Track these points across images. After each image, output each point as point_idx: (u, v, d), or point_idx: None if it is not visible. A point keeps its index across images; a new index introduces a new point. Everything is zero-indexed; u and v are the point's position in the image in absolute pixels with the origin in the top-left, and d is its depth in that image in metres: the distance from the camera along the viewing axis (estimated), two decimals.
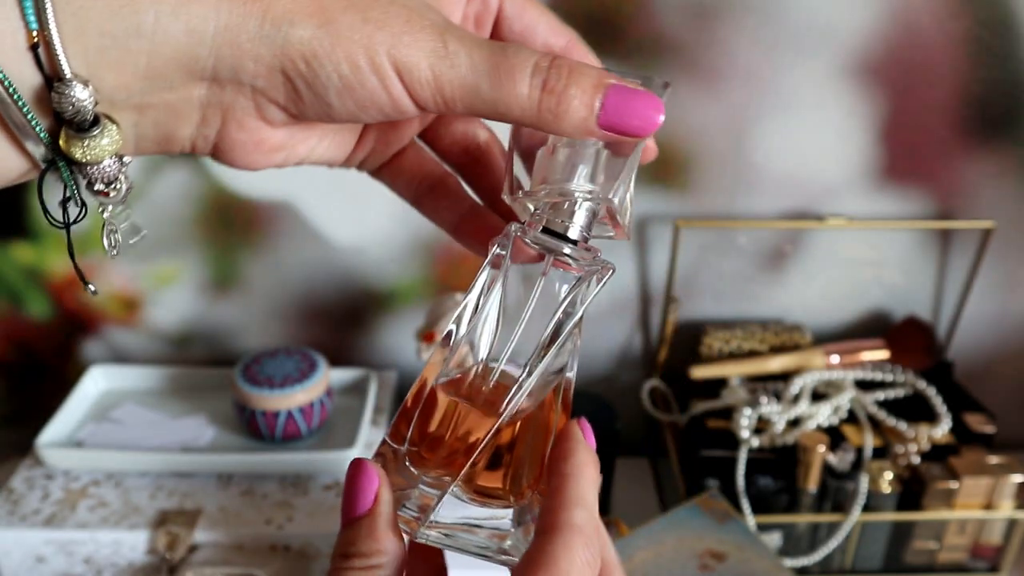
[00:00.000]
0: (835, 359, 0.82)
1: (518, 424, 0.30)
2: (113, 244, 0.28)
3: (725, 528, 0.68)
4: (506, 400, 0.28)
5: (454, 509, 0.29)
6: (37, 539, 0.67)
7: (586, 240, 0.29)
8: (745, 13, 0.73)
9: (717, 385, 0.81)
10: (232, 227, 0.82)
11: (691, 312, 0.87)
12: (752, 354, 0.83)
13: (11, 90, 0.23)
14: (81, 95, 0.23)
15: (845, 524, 0.72)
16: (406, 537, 0.29)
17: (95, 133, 0.24)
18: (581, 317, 0.30)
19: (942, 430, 0.75)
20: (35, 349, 0.89)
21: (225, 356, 0.88)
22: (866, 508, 0.72)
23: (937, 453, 0.74)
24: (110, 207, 0.27)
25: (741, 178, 0.81)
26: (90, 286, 0.29)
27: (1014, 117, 0.78)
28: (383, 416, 0.80)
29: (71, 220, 0.27)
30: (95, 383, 0.82)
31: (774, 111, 0.78)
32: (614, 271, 0.29)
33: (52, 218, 0.26)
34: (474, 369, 0.30)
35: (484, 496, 0.29)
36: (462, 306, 0.30)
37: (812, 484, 0.73)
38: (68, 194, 0.26)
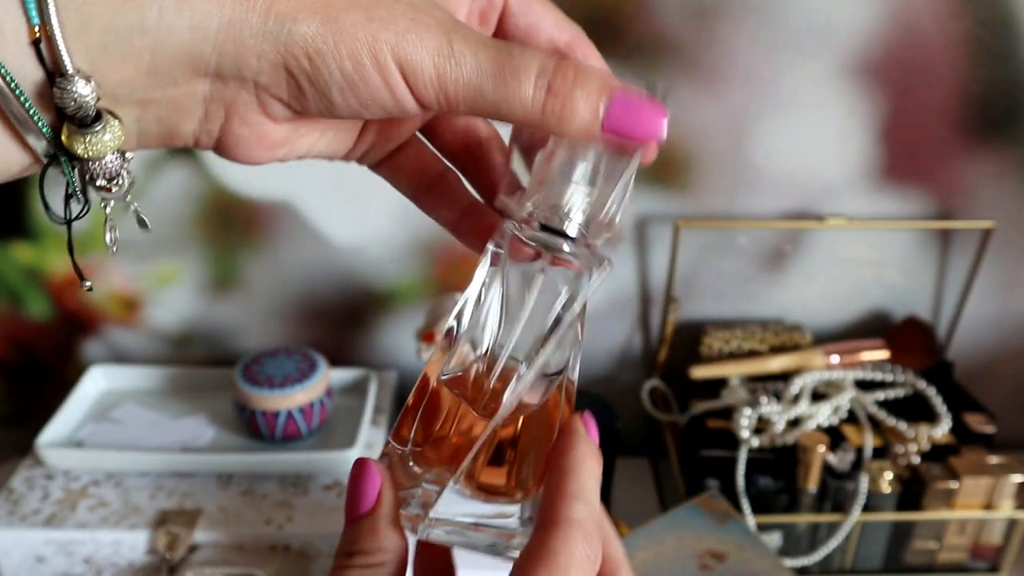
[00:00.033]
0: (835, 359, 0.82)
1: (521, 421, 0.30)
2: (114, 240, 0.28)
3: (725, 528, 0.68)
4: (505, 393, 0.28)
5: (457, 505, 0.29)
6: (37, 539, 0.67)
7: (584, 236, 0.29)
8: (745, 13, 0.73)
9: (717, 385, 0.81)
10: (232, 227, 0.82)
11: (691, 312, 0.87)
12: (752, 354, 0.83)
13: (13, 85, 0.23)
14: (83, 91, 0.23)
15: (845, 524, 0.72)
16: (411, 536, 0.29)
17: (97, 129, 0.24)
18: (582, 313, 0.29)
19: (942, 430, 0.75)
20: (35, 349, 0.89)
21: (225, 356, 0.88)
22: (866, 508, 0.72)
23: (937, 453, 0.74)
24: (112, 203, 0.27)
25: (741, 178, 0.81)
26: (86, 283, 0.29)
27: (1014, 117, 0.78)
28: (383, 416, 0.80)
29: (73, 216, 0.27)
30: (95, 383, 0.82)
31: (774, 111, 0.78)
32: (611, 265, 0.29)
33: (53, 214, 0.26)
34: (475, 366, 0.30)
35: (488, 493, 0.29)
36: (462, 302, 0.30)
37: (812, 484, 0.73)
38: (70, 190, 0.26)
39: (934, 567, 0.76)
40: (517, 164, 0.31)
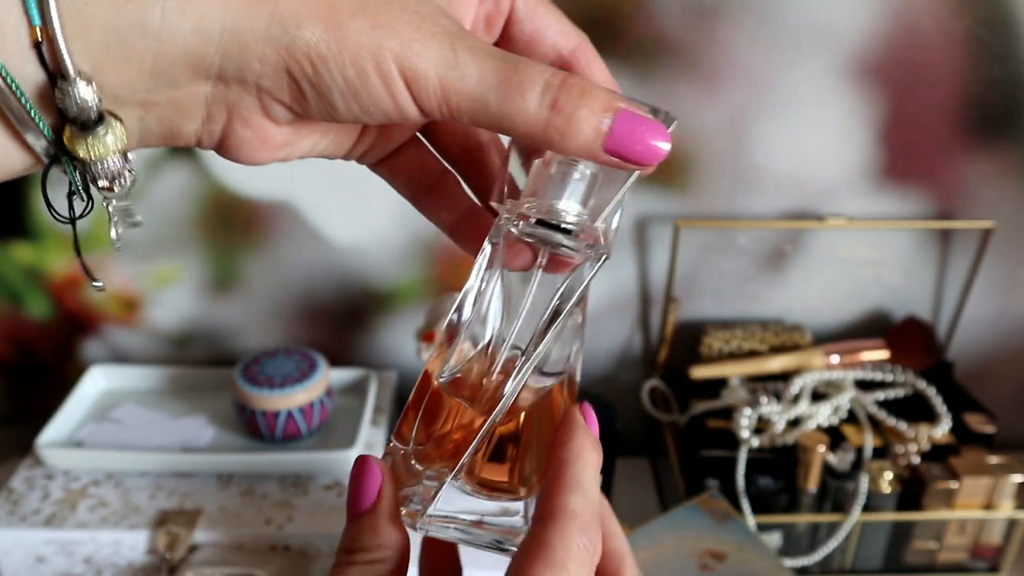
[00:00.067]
0: (835, 359, 0.82)
1: (523, 416, 0.30)
2: (119, 236, 0.28)
3: (725, 528, 0.68)
4: (506, 386, 0.28)
5: (459, 502, 0.29)
6: (37, 539, 0.67)
7: (581, 231, 0.29)
8: (745, 13, 0.73)
9: (717, 385, 0.81)
10: (232, 227, 0.82)
11: (691, 312, 0.87)
12: (752, 354, 0.83)
13: (14, 86, 0.23)
14: (85, 93, 0.23)
15: (845, 524, 0.72)
16: (414, 533, 0.29)
17: (99, 131, 0.24)
18: (583, 307, 0.29)
19: (942, 430, 0.75)
20: (35, 349, 0.89)
21: (225, 356, 0.88)
22: (866, 508, 0.72)
23: (937, 453, 0.74)
24: (114, 201, 0.27)
25: (741, 178, 0.81)
26: (97, 282, 0.29)
27: (1014, 117, 0.78)
28: (383, 416, 0.80)
29: (77, 215, 0.27)
30: (95, 383, 0.82)
31: (774, 111, 0.78)
32: (609, 257, 0.29)
33: (57, 214, 0.26)
34: (476, 363, 0.30)
35: (491, 489, 0.29)
36: (460, 298, 0.30)
37: (812, 484, 0.73)
38: (72, 189, 0.26)
39: (934, 567, 0.76)
40: (515, 167, 0.31)
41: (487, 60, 0.26)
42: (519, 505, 0.30)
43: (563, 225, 0.28)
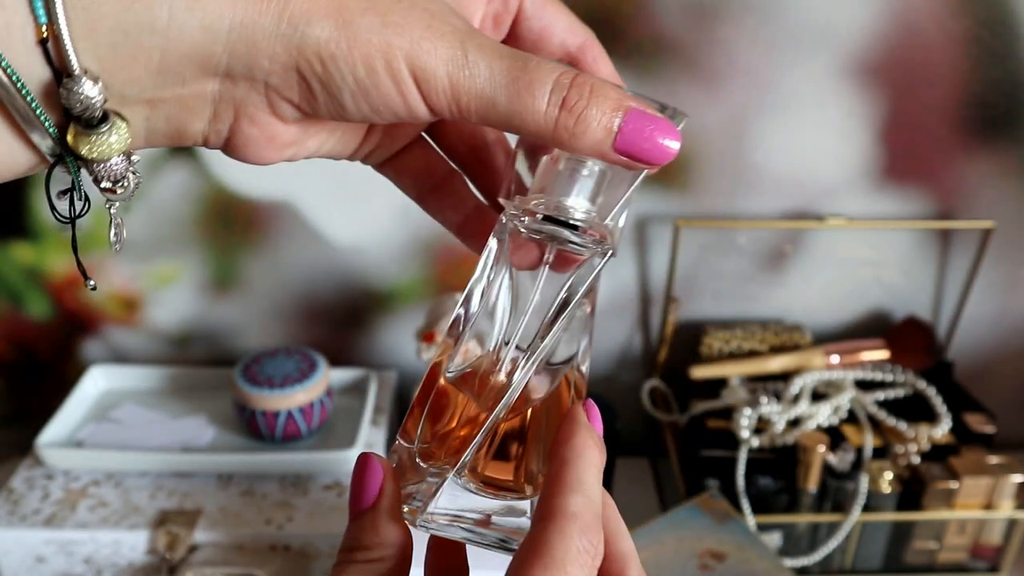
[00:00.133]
0: (835, 359, 0.82)
1: (529, 414, 0.29)
2: (119, 238, 0.28)
3: (725, 528, 0.68)
4: (512, 378, 0.28)
5: (463, 500, 0.29)
6: (37, 539, 0.67)
7: (588, 227, 0.29)
8: (745, 13, 0.73)
9: (717, 385, 0.81)
10: (232, 227, 0.82)
11: (691, 312, 0.87)
12: (752, 354, 0.83)
13: (19, 84, 0.23)
14: (90, 92, 0.23)
15: (845, 524, 0.72)
16: (418, 531, 0.29)
17: (103, 130, 0.24)
18: (591, 299, 0.29)
19: (942, 430, 0.75)
20: (35, 349, 0.89)
21: (225, 356, 0.88)
22: (866, 508, 0.72)
23: (937, 453, 0.74)
24: (116, 204, 0.27)
25: (741, 178, 0.81)
26: (90, 282, 0.28)
27: (1014, 117, 0.78)
28: (383, 416, 0.80)
29: (77, 214, 0.26)
30: (95, 383, 0.82)
31: (774, 111, 0.78)
32: (615, 254, 0.29)
33: (58, 214, 0.26)
34: (482, 361, 0.30)
35: (494, 487, 0.29)
36: (466, 295, 0.30)
37: (812, 484, 0.73)
38: (72, 188, 0.26)
39: (934, 567, 0.76)
40: (521, 166, 0.30)
41: (497, 59, 0.25)
42: (525, 504, 0.29)
43: (571, 221, 0.28)
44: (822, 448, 0.71)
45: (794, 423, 0.76)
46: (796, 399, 0.78)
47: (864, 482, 0.72)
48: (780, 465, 0.74)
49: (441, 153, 0.33)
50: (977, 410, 0.79)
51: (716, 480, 0.73)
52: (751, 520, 0.72)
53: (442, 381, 0.30)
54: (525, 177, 0.31)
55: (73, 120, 0.24)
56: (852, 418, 0.78)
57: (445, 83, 0.25)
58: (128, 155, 0.25)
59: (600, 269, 0.29)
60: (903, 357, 0.83)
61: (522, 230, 0.29)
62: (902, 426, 0.75)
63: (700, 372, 0.82)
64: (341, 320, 0.88)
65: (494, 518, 0.29)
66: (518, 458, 0.29)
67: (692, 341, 0.86)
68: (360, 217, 0.82)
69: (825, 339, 0.86)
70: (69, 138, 0.24)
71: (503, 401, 0.28)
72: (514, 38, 0.31)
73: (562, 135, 0.26)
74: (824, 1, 0.73)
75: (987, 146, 0.80)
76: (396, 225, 0.82)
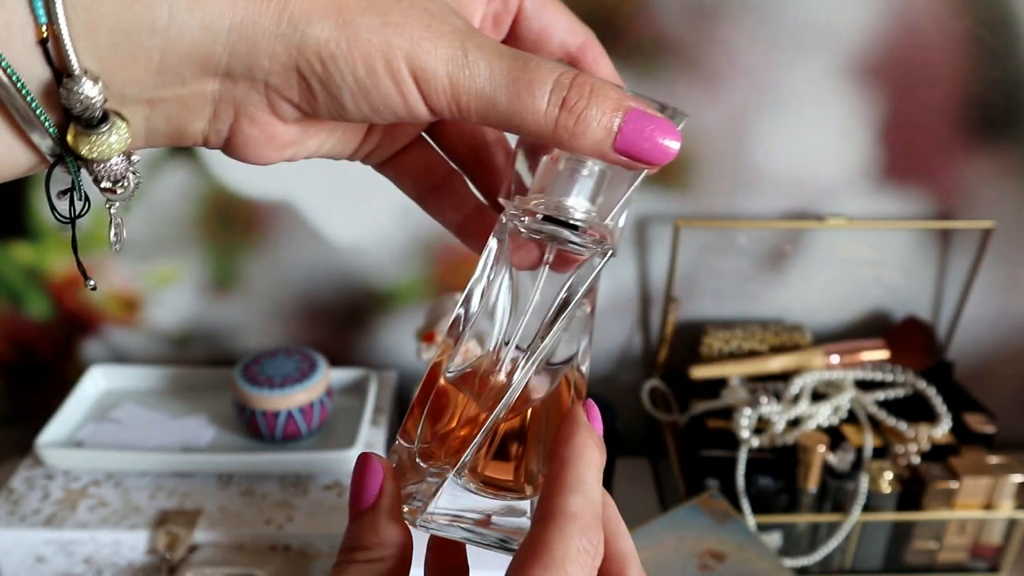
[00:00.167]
0: (835, 359, 0.82)
1: (529, 414, 0.29)
2: (118, 238, 0.28)
3: (725, 528, 0.68)
4: (513, 377, 0.28)
5: (463, 500, 0.29)
6: (37, 539, 0.67)
7: (588, 227, 0.29)
8: (745, 13, 0.73)
9: (717, 385, 0.81)
10: (232, 227, 0.82)
11: (691, 312, 0.87)
12: (752, 354, 0.83)
13: (19, 84, 0.23)
14: (90, 91, 0.23)
15: (845, 524, 0.72)
16: (418, 531, 0.29)
17: (103, 130, 0.24)
18: (591, 299, 0.29)
19: (942, 430, 0.75)
20: (35, 349, 0.89)
21: (225, 356, 0.88)
22: (866, 508, 0.72)
23: (937, 453, 0.74)
24: (116, 204, 0.27)
25: (741, 178, 0.81)
26: (90, 281, 0.28)
27: (1014, 117, 0.78)
28: (383, 416, 0.80)
29: (77, 214, 0.26)
30: (95, 383, 0.82)
31: (774, 111, 0.78)
32: (615, 254, 0.29)
33: (59, 214, 0.26)
34: (482, 361, 0.30)
35: (495, 487, 0.29)
36: (466, 295, 0.30)
37: (812, 484, 0.73)
38: (72, 188, 0.26)
39: (934, 567, 0.76)
40: (521, 166, 0.30)
41: (497, 58, 0.25)
42: (525, 504, 0.29)
43: (571, 221, 0.28)
44: (822, 448, 0.71)
45: (794, 423, 0.76)
46: (796, 399, 0.78)
47: (864, 482, 0.72)
48: (780, 465, 0.74)
49: (441, 153, 0.33)
50: (977, 410, 0.79)
51: (716, 480, 0.73)
52: (751, 520, 0.72)
53: (442, 381, 0.30)
54: (525, 177, 0.31)
55: (73, 120, 0.24)
56: (852, 418, 0.78)
57: (445, 83, 0.25)
58: (128, 155, 0.25)
59: (600, 269, 0.29)
60: (903, 357, 0.83)
61: (522, 230, 0.29)
62: (902, 426, 0.75)
63: (700, 372, 0.82)
64: (341, 320, 0.88)
65: (494, 518, 0.29)
66: (518, 458, 0.29)
67: (692, 341, 0.86)
68: (360, 217, 0.82)
69: (825, 339, 0.86)
70: (69, 138, 0.24)
71: (503, 401, 0.28)
72: (514, 38, 0.31)
73: (562, 135, 0.26)
74: (824, 1, 0.73)
75: (987, 146, 0.80)
76: (396, 225, 0.82)
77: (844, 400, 0.78)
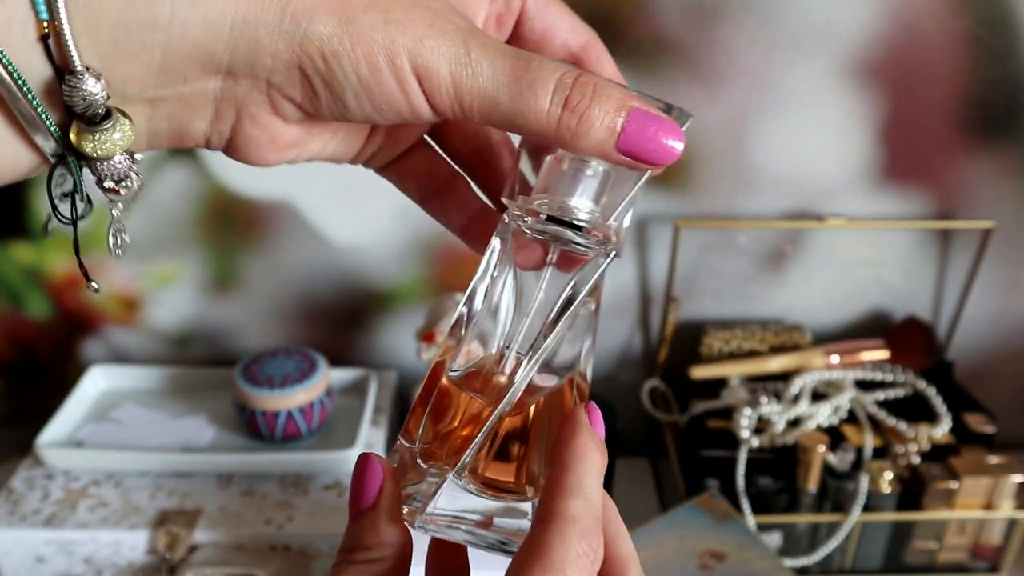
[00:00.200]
0: (835, 359, 0.82)
1: (531, 414, 0.29)
2: (119, 243, 0.28)
3: (725, 528, 0.68)
4: (516, 375, 0.28)
5: (460, 501, 0.29)
6: (37, 539, 0.67)
7: (592, 228, 0.29)
8: (745, 13, 0.73)
9: (717, 385, 0.81)
10: (232, 227, 0.82)
11: (691, 312, 0.87)
12: (752, 354, 0.83)
13: (20, 82, 0.23)
14: (92, 88, 0.23)
15: (845, 524, 0.72)
16: (417, 532, 0.29)
17: (107, 127, 0.24)
18: (595, 297, 0.29)
19: (942, 430, 0.75)
20: (35, 349, 0.89)
21: (225, 356, 0.88)
22: (866, 508, 0.72)
23: (937, 453, 0.74)
24: (119, 205, 0.27)
25: (741, 178, 0.81)
26: (93, 284, 0.28)
27: (1014, 117, 0.78)
28: (383, 416, 0.80)
29: (79, 216, 0.26)
30: (95, 383, 0.82)
31: (774, 111, 0.78)
32: (619, 255, 0.29)
33: (60, 215, 0.26)
34: (485, 361, 0.30)
35: (495, 489, 0.29)
36: (468, 295, 0.29)
37: (812, 484, 0.73)
38: (74, 189, 0.26)
39: (934, 567, 0.76)
40: (525, 166, 0.30)
41: (499, 58, 0.25)
42: (526, 506, 0.29)
43: (575, 222, 0.28)
44: (822, 448, 0.71)
45: (794, 423, 0.76)
46: (796, 399, 0.78)
47: (864, 482, 0.72)
48: (780, 465, 0.74)
49: (443, 155, 0.33)
50: (977, 410, 0.79)
51: (716, 480, 0.73)
52: (751, 520, 0.72)
53: (445, 381, 0.29)
54: (529, 176, 0.31)
55: (76, 118, 0.24)
56: (852, 418, 0.78)
57: (448, 82, 0.25)
58: (131, 154, 0.25)
59: (604, 269, 0.29)
60: (903, 357, 0.83)
61: (526, 230, 0.29)
62: (902, 426, 0.75)
63: (700, 372, 0.82)
64: (341, 320, 0.88)
65: (494, 520, 0.29)
66: (520, 459, 0.29)
67: (692, 341, 0.86)
68: (360, 217, 0.82)
69: (825, 339, 0.86)
70: (72, 136, 0.24)
71: (505, 400, 0.28)
72: (517, 38, 0.31)
73: (565, 135, 0.26)
74: (824, 1, 0.73)
75: (987, 146, 0.80)
76: (396, 225, 0.82)
77: (844, 400, 0.78)
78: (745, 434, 0.74)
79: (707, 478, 0.73)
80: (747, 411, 0.74)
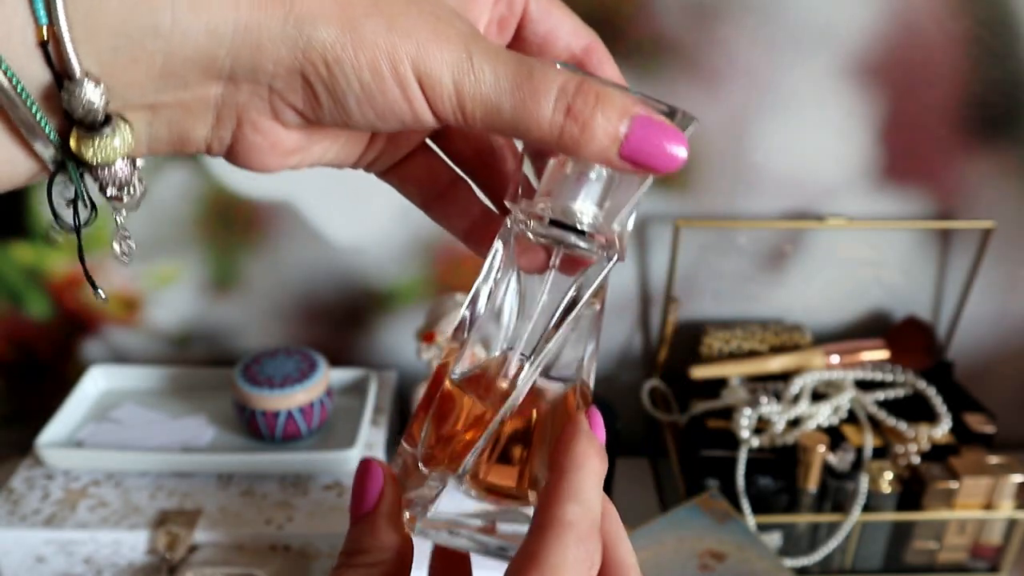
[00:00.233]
0: (835, 359, 0.82)
1: (534, 419, 0.29)
2: (125, 251, 0.28)
3: (725, 528, 0.68)
4: (518, 378, 0.28)
5: (461, 505, 0.29)
6: (37, 539, 0.67)
7: (595, 232, 0.28)
8: (745, 13, 0.73)
9: (717, 385, 0.81)
10: (232, 227, 0.82)
11: (691, 312, 0.87)
12: (752, 354, 0.83)
13: (19, 88, 0.22)
14: (92, 95, 0.23)
15: (845, 524, 0.72)
16: (417, 537, 0.29)
17: (106, 133, 0.24)
18: (599, 298, 0.29)
19: (942, 430, 0.75)
20: (35, 349, 0.89)
21: (225, 356, 0.88)
22: (866, 508, 0.72)
23: (937, 453, 0.74)
24: (124, 212, 0.27)
25: (741, 178, 0.81)
26: (100, 293, 0.28)
27: (1014, 117, 0.78)
28: (383, 416, 0.80)
29: (82, 223, 0.26)
30: (95, 383, 0.82)
31: (774, 111, 0.78)
32: (622, 259, 0.29)
33: (63, 222, 0.26)
34: (488, 365, 0.30)
35: (497, 494, 0.29)
36: (472, 293, 0.29)
37: (812, 484, 0.73)
38: (77, 196, 0.25)
39: (934, 567, 0.76)
40: (528, 168, 0.30)
41: (502, 64, 0.25)
42: (528, 511, 0.29)
43: (578, 226, 0.28)
44: (822, 448, 0.71)
45: (794, 423, 0.76)
46: (796, 399, 0.78)
47: (864, 482, 0.72)
48: (780, 465, 0.74)
49: (446, 160, 0.33)
50: (977, 410, 0.79)
51: (716, 480, 0.73)
52: (751, 520, 0.72)
53: (447, 384, 0.29)
54: (531, 178, 0.31)
55: (75, 124, 0.23)
56: (852, 418, 0.78)
57: (451, 89, 0.25)
58: (132, 160, 0.25)
59: (607, 272, 0.29)
60: (903, 357, 0.83)
61: (529, 234, 0.29)
62: (902, 426, 0.75)
63: (700, 372, 0.82)
64: (341, 320, 0.88)
65: (495, 525, 0.29)
66: (521, 464, 0.29)
67: (692, 341, 0.86)
68: (360, 217, 0.82)
69: (825, 339, 0.86)
70: (72, 142, 0.24)
71: (507, 403, 0.27)
72: (519, 42, 0.31)
73: (567, 142, 0.25)
74: (824, 1, 0.73)
75: (987, 146, 0.80)
76: (396, 225, 0.82)
77: (844, 400, 0.78)
78: (745, 434, 0.74)
79: (707, 478, 0.73)
80: (747, 411, 0.74)
